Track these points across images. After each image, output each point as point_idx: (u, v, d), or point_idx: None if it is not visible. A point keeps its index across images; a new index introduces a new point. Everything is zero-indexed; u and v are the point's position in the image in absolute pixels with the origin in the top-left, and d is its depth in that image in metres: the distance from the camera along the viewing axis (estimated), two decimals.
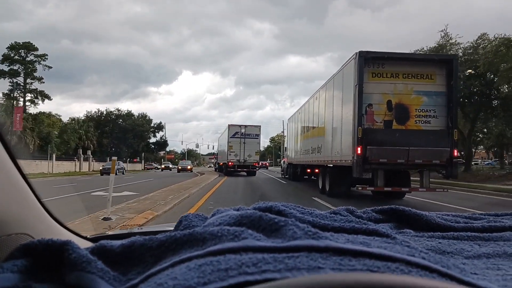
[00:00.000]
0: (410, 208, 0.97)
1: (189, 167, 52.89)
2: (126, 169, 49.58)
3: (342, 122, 11.45)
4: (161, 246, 0.69)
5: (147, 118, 77.20)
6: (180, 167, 52.31)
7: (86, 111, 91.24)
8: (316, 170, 16.21)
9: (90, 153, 51.21)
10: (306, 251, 0.55)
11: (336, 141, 12.07)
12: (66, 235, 1.02)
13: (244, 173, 30.48)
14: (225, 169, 30.77)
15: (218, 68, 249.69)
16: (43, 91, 50.99)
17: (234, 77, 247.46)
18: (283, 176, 27.23)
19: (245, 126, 30.57)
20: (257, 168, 30.99)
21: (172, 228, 0.93)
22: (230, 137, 29.94)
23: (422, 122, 10.49)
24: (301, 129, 19.28)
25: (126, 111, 72.58)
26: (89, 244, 1.11)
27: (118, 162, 20.54)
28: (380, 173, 10.35)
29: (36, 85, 51.40)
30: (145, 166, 71.52)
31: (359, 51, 10.23)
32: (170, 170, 59.82)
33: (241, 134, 29.79)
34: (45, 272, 0.72)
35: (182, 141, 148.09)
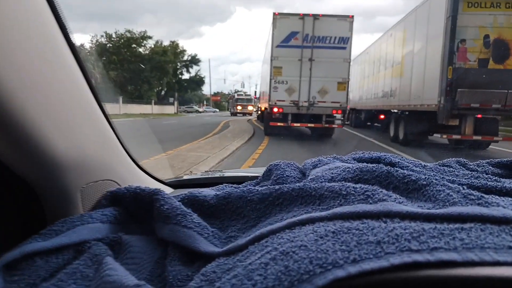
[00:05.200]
0: None
1: None
2: (152, 112, 39.11)
3: (426, 61, 10.12)
4: (264, 200, 0.61)
5: (178, 48, 54.37)
6: None
7: (90, 35, 62.12)
8: (382, 116, 15.04)
9: None
10: (476, 221, 0.44)
11: (417, 84, 10.80)
12: (146, 180, 0.97)
13: (307, 130, 14.23)
14: (265, 122, 14.04)
15: (273, 4, 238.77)
16: None
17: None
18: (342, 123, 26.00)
19: (315, 17, 12.14)
20: (340, 121, 12.98)
21: (258, 174, 0.86)
22: (277, 46, 12.28)
23: None
24: (369, 71, 17.85)
25: (140, 33, 48.00)
26: (169, 190, 1.06)
27: None
28: (469, 120, 9.17)
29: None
30: (185, 109, 54.73)
31: None
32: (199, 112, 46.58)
33: (305, 38, 12.08)
34: (134, 223, 0.66)
35: (224, 80, 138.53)
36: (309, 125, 12.84)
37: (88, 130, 0.72)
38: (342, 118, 12.78)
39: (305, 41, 12.06)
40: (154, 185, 1.01)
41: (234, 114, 42.24)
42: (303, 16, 12.19)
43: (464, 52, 9.02)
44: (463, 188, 0.54)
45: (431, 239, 0.39)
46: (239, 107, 41.95)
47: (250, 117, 33.76)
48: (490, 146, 11.09)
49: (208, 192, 0.69)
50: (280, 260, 0.40)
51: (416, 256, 0.37)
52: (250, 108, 40.93)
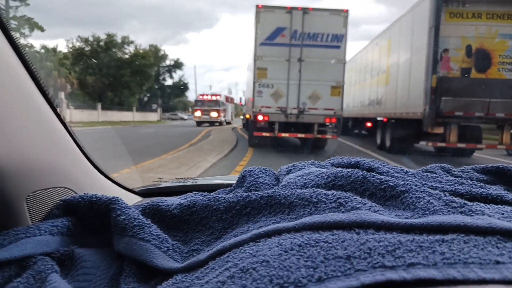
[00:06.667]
0: None
1: None
2: (133, 119, 36.14)
3: (411, 70, 10.29)
4: (231, 209, 0.57)
5: (160, 52, 50.88)
6: None
7: (65, 40, 55.63)
8: (369, 124, 15.19)
9: (63, 96, 26.68)
10: (459, 232, 0.39)
11: (402, 92, 10.96)
12: (110, 188, 0.92)
13: (297, 141, 12.58)
14: (249, 132, 12.50)
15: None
16: (32, 18, 29.98)
17: None
18: (332, 131, 25.94)
19: (304, 11, 10.23)
20: (333, 130, 11.49)
21: (232, 182, 0.81)
22: (261, 44, 10.45)
23: (506, 70, 9.18)
24: (355, 79, 18.02)
25: (122, 38, 45.08)
26: (137, 199, 1.03)
27: None
28: (453, 128, 9.31)
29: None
30: (169, 116, 50.85)
31: None
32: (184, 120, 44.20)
33: (293, 35, 10.27)
34: (91, 234, 0.61)
35: (210, 86, 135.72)
36: (299, 135, 11.13)
37: (35, 134, 0.67)
38: (330, 127, 11.05)
39: (293, 38, 10.24)
40: (120, 193, 0.96)
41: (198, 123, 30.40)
42: (290, 10, 10.23)
43: (447, 61, 9.21)
44: (445, 195, 0.50)
45: (408, 253, 0.35)
46: (197, 113, 30.36)
47: (235, 126, 28.33)
48: (474, 154, 11.31)
49: (173, 200, 0.65)
50: (238, 278, 0.36)
51: (390, 274, 0.32)
52: (213, 114, 30.20)
